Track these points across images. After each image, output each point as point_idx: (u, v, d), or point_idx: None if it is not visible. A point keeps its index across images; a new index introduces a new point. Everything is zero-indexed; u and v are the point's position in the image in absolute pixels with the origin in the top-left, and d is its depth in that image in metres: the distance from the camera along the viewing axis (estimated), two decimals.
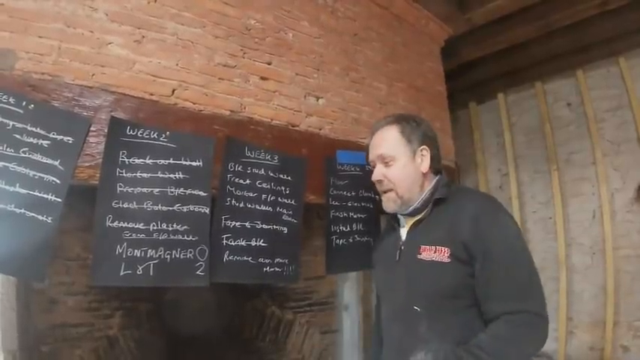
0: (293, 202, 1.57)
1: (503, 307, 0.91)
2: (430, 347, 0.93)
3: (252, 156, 1.48)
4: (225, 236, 1.37)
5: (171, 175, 1.29)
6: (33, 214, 1.06)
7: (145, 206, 1.23)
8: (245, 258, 1.41)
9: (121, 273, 1.16)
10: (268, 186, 1.51)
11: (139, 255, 1.19)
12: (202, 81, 1.46)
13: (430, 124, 1.21)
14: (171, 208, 1.27)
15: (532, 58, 2.98)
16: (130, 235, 1.19)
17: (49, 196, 1.09)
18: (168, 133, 1.30)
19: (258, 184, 1.48)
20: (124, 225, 1.18)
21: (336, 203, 1.71)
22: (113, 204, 1.18)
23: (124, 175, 1.21)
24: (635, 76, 2.77)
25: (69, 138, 1.14)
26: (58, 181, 1.11)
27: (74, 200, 1.14)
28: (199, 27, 1.48)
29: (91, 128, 1.18)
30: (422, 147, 1.12)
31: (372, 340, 1.37)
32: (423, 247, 1.02)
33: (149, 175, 1.25)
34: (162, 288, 1.59)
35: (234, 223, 1.40)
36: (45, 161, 1.10)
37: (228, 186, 1.40)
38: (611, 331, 2.63)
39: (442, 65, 2.62)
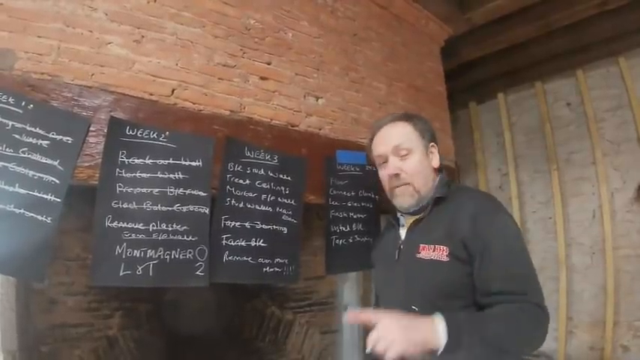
0: (293, 202, 1.57)
1: (503, 298, 0.89)
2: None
3: (252, 156, 1.48)
4: (224, 236, 1.37)
5: (171, 175, 1.29)
6: (32, 215, 1.06)
7: (144, 206, 1.22)
8: (245, 258, 1.41)
9: (121, 273, 1.16)
10: (268, 186, 1.51)
11: (138, 255, 1.19)
12: (202, 81, 1.45)
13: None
14: (170, 209, 1.27)
15: (532, 58, 2.98)
16: (130, 236, 1.19)
17: (49, 197, 1.09)
18: (167, 133, 1.30)
19: (258, 184, 1.48)
20: (123, 225, 1.18)
21: (336, 203, 1.71)
22: (113, 204, 1.18)
23: (124, 175, 1.21)
24: (635, 76, 2.77)
25: (68, 138, 1.14)
26: (57, 181, 1.10)
27: (74, 200, 1.14)
28: (199, 27, 1.48)
29: (91, 128, 1.18)
30: (432, 143, 1.13)
31: None
32: (422, 246, 1.01)
33: (149, 175, 1.25)
34: (161, 288, 1.59)
35: (233, 223, 1.40)
36: (44, 161, 1.10)
37: (227, 186, 1.40)
38: (611, 331, 2.63)
39: (442, 65, 2.62)
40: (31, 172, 1.07)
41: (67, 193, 1.11)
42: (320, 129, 1.79)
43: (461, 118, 3.70)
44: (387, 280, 1.12)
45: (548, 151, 3.12)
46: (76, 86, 1.19)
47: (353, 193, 1.77)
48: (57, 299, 1.43)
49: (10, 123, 1.07)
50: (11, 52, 1.11)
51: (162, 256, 1.23)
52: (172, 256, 1.24)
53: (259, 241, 1.45)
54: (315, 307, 2.16)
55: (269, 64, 1.67)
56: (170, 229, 1.26)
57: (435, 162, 1.13)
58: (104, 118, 1.21)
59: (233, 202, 1.41)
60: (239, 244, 1.40)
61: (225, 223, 1.38)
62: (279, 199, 1.53)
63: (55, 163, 1.11)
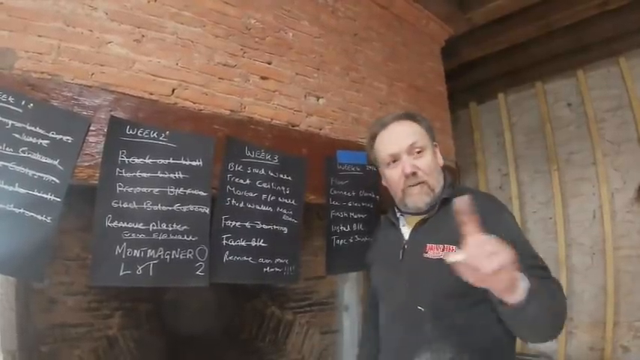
0: (293, 202, 1.57)
1: (536, 273, 0.86)
2: (435, 347, 0.93)
3: (252, 156, 1.48)
4: (225, 236, 1.37)
5: (171, 175, 1.28)
6: (32, 214, 1.06)
7: (144, 206, 1.22)
8: (245, 258, 1.40)
9: (121, 273, 1.16)
10: (268, 186, 1.50)
11: (138, 255, 1.19)
12: (202, 80, 1.45)
13: None
14: (170, 208, 1.26)
15: (532, 58, 2.98)
16: (130, 235, 1.19)
17: (49, 196, 1.08)
18: (167, 132, 1.30)
19: (258, 184, 1.48)
20: (123, 225, 1.18)
21: (337, 203, 1.70)
22: (113, 204, 1.18)
23: (124, 174, 1.21)
24: (635, 76, 2.77)
25: (68, 137, 1.13)
26: (57, 181, 1.10)
27: (73, 200, 1.13)
28: (199, 26, 1.48)
29: (91, 128, 1.18)
30: (435, 142, 1.13)
31: (361, 341, 1.33)
32: (429, 245, 1.01)
33: (149, 174, 1.25)
34: (161, 288, 1.58)
35: (234, 223, 1.40)
36: (44, 161, 1.09)
37: (228, 186, 1.40)
38: (611, 332, 2.63)
39: (442, 65, 2.62)
40: (30, 172, 1.07)
41: (67, 193, 1.11)
42: (320, 129, 1.79)
43: (461, 118, 3.69)
44: (390, 280, 1.11)
45: (548, 151, 3.12)
46: (76, 85, 1.19)
47: (353, 193, 1.76)
48: (57, 299, 1.42)
49: (10, 122, 1.06)
50: (11, 51, 1.11)
51: (162, 256, 1.22)
52: (172, 256, 1.24)
53: (259, 241, 1.45)
54: (315, 307, 2.16)
55: (269, 63, 1.67)
56: (170, 228, 1.25)
57: (441, 161, 1.13)
58: (104, 118, 1.20)
59: (233, 201, 1.41)
60: (239, 244, 1.40)
61: (225, 223, 1.38)
62: (279, 199, 1.53)
63: (55, 162, 1.11)
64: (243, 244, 1.41)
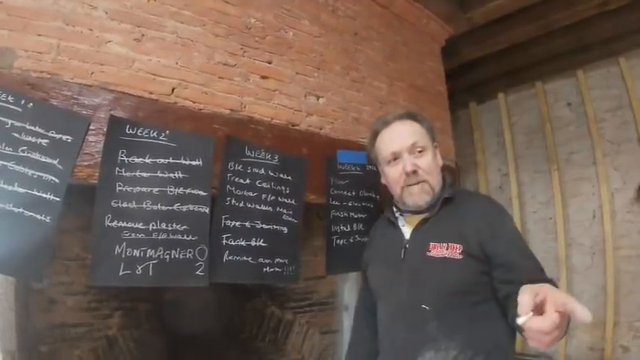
0: (293, 201, 1.56)
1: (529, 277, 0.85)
2: (439, 346, 0.93)
3: (252, 155, 1.48)
4: (225, 236, 1.37)
5: (171, 175, 1.28)
6: (31, 214, 1.05)
7: (144, 206, 1.22)
8: (245, 258, 1.40)
9: (120, 273, 1.15)
10: (268, 185, 1.50)
11: (138, 255, 1.18)
12: (202, 80, 1.45)
13: None
14: (170, 208, 1.26)
15: (532, 58, 2.98)
16: (130, 235, 1.18)
17: (48, 196, 1.08)
18: (167, 132, 1.29)
19: (258, 183, 1.48)
20: (123, 225, 1.18)
21: (337, 203, 1.70)
22: (112, 203, 1.17)
23: (123, 174, 1.20)
24: (635, 76, 2.77)
25: (68, 137, 1.13)
26: (56, 181, 1.10)
27: (73, 200, 1.13)
28: (199, 25, 1.47)
29: (90, 127, 1.18)
30: (435, 143, 1.15)
31: (352, 340, 1.33)
32: (432, 244, 1.01)
33: (148, 174, 1.24)
34: (161, 288, 1.58)
35: (234, 222, 1.39)
36: (44, 160, 1.09)
37: (228, 185, 1.40)
38: (611, 332, 2.63)
39: (442, 65, 2.62)
40: (30, 171, 1.07)
41: (67, 193, 1.11)
42: (321, 128, 1.78)
43: (461, 118, 3.69)
44: (390, 279, 1.11)
45: (548, 151, 3.12)
46: (76, 85, 1.18)
47: (354, 193, 1.76)
48: (56, 299, 1.42)
49: (10, 121, 1.06)
50: (11, 50, 1.11)
51: (162, 256, 1.22)
52: (172, 256, 1.24)
53: (259, 241, 1.44)
54: (315, 307, 2.16)
55: (270, 63, 1.66)
56: (170, 228, 1.25)
57: (440, 161, 1.14)
58: (104, 117, 1.20)
59: (233, 201, 1.40)
60: (239, 243, 1.39)
61: (225, 223, 1.37)
62: (279, 199, 1.53)
63: (55, 162, 1.10)
64: (243, 243, 1.40)
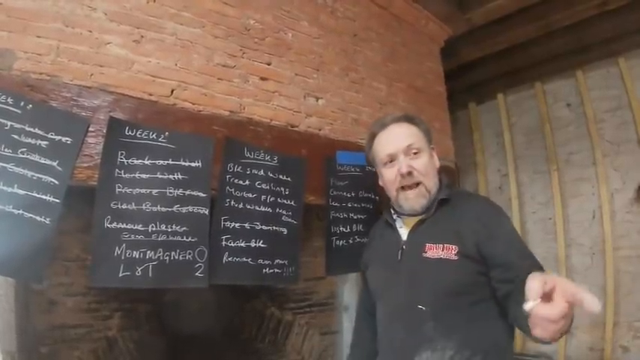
0: (293, 202, 1.56)
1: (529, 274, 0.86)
2: (435, 346, 0.93)
3: (252, 157, 1.48)
4: (224, 237, 1.37)
5: (170, 176, 1.28)
6: (31, 215, 1.06)
7: (143, 207, 1.22)
8: (244, 259, 1.40)
9: (120, 274, 1.15)
10: (268, 187, 1.50)
11: (137, 256, 1.19)
12: (201, 81, 1.45)
13: None
14: (170, 209, 1.26)
15: (532, 58, 2.99)
16: (129, 237, 1.18)
17: (48, 197, 1.08)
18: (167, 133, 1.30)
19: (258, 184, 1.48)
20: (122, 226, 1.18)
21: (336, 204, 1.70)
22: (112, 205, 1.18)
23: (123, 175, 1.20)
24: (634, 77, 2.77)
25: (67, 138, 1.13)
26: (56, 182, 1.10)
27: (73, 201, 1.13)
28: (198, 27, 1.48)
29: (90, 129, 1.18)
30: (432, 145, 1.15)
31: (353, 341, 1.33)
32: (428, 245, 1.02)
33: (148, 175, 1.24)
34: (161, 289, 1.58)
35: (233, 224, 1.39)
36: (43, 162, 1.09)
37: (227, 187, 1.40)
38: (610, 332, 2.63)
39: (442, 65, 2.62)
40: (29, 173, 1.07)
41: (66, 194, 1.11)
42: (320, 129, 1.78)
43: (460, 119, 3.69)
44: (388, 280, 1.12)
45: (547, 151, 3.12)
46: (75, 86, 1.19)
47: (353, 194, 1.76)
48: (56, 300, 1.42)
49: (9, 123, 1.06)
50: (10, 51, 1.11)
51: (161, 257, 1.22)
52: (172, 257, 1.24)
53: (259, 242, 1.45)
54: (314, 308, 2.16)
55: (269, 64, 1.66)
56: (169, 230, 1.25)
57: (437, 163, 1.14)
58: (103, 119, 1.20)
59: (233, 202, 1.41)
60: (239, 245, 1.40)
61: (224, 224, 1.38)
62: (278, 200, 1.53)
63: (54, 163, 1.10)
64: (242, 245, 1.40)
